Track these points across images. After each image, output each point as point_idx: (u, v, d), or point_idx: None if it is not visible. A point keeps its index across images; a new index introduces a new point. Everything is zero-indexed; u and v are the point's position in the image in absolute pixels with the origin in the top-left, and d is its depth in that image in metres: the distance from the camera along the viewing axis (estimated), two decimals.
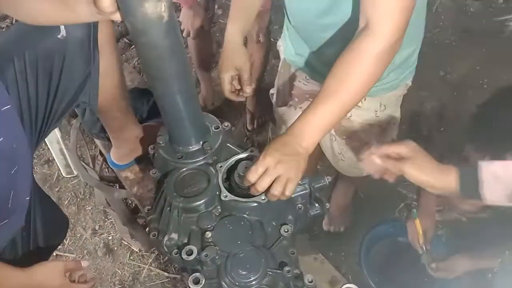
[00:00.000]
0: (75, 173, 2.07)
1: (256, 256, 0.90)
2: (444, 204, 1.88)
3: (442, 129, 2.28)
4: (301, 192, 1.03)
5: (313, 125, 0.93)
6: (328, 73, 0.95)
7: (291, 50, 1.32)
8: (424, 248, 1.64)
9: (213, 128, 1.08)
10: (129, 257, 1.96)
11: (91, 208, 2.13)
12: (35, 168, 2.30)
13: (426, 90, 2.42)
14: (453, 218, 1.92)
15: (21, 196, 0.99)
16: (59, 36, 0.98)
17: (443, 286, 1.66)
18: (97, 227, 2.07)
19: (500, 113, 1.24)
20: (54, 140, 2.05)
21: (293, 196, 1.03)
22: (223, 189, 0.97)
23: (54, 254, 1.98)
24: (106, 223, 2.08)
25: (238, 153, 1.05)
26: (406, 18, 0.89)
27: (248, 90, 1.19)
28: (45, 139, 2.06)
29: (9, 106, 0.89)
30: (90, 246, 2.01)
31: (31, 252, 1.16)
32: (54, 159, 2.17)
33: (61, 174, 2.21)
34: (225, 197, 0.96)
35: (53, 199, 2.15)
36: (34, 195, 1.11)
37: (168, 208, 1.00)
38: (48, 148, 2.08)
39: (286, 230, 0.95)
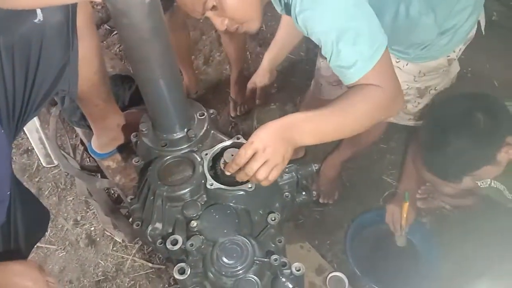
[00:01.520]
0: (55, 162, 2.01)
1: (243, 245, 0.88)
2: (428, 192, 1.90)
3: (422, 124, 2.28)
4: (288, 180, 1.02)
5: (315, 126, 0.92)
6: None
7: None
8: (403, 231, 1.68)
9: (198, 115, 1.06)
10: (112, 248, 1.92)
11: (73, 199, 2.08)
12: (14, 158, 2.23)
13: None
14: (436, 206, 1.94)
15: (1, 191, 0.95)
16: (35, 21, 0.93)
17: (427, 273, 1.68)
18: (79, 218, 2.02)
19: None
20: (33, 129, 1.98)
21: (280, 184, 1.01)
22: (208, 177, 0.95)
23: (35, 246, 1.93)
24: (88, 214, 2.03)
25: (223, 141, 1.02)
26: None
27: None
28: (24, 128, 2.00)
29: None
30: (72, 237, 1.97)
31: (12, 247, 1.12)
32: (33, 149, 2.11)
33: (41, 164, 2.15)
34: (211, 185, 0.94)
35: (33, 189, 2.10)
36: (13, 189, 1.06)
37: (152, 197, 0.97)
38: (27, 138, 2.02)
39: (273, 219, 0.94)
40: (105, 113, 1.25)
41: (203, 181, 0.96)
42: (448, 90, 1.55)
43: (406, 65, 1.33)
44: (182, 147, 1.01)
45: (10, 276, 0.94)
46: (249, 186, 0.92)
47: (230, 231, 0.90)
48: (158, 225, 0.97)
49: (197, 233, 0.91)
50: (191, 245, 0.88)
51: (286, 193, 1.02)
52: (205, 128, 1.03)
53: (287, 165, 1.00)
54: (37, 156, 2.14)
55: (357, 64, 0.89)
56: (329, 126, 0.93)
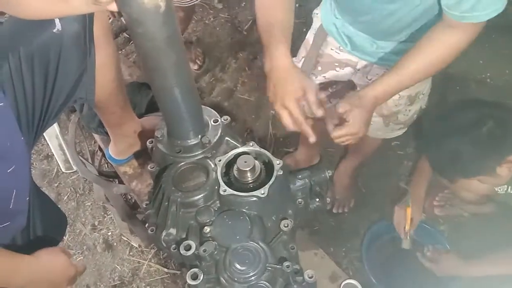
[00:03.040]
0: (74, 168, 2.06)
1: (255, 251, 0.88)
2: (445, 200, 1.87)
3: (431, 119, 2.25)
4: (301, 187, 1.02)
5: (395, 91, 1.12)
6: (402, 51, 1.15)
7: (332, 21, 1.33)
8: (408, 235, 1.67)
9: (212, 122, 1.07)
10: (129, 252, 1.95)
11: (91, 204, 2.11)
12: (34, 163, 2.29)
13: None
14: (454, 214, 1.91)
15: (21, 197, 0.98)
16: (54, 31, 0.96)
17: (445, 283, 1.65)
18: (96, 223, 2.06)
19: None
20: (53, 135, 2.03)
21: (293, 190, 1.01)
22: (222, 183, 0.96)
23: None
24: (105, 219, 2.07)
25: (237, 147, 1.03)
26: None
27: (320, 112, 1.09)
28: (44, 134, 2.05)
29: (1, 104, 0.87)
30: (89, 242, 2.00)
31: (31, 251, 1.15)
32: (53, 155, 2.16)
33: (60, 169, 2.20)
34: (224, 191, 0.94)
35: (52, 195, 2.15)
36: (32, 194, 1.09)
37: (166, 203, 0.98)
38: (47, 144, 2.07)
39: (286, 225, 0.94)
40: (122, 120, 1.28)
41: (216, 187, 0.97)
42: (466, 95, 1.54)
43: None
44: (196, 153, 1.02)
45: (42, 265, 0.98)
46: (262, 192, 0.93)
47: (243, 237, 0.91)
48: (172, 231, 0.98)
49: (210, 239, 0.91)
50: (204, 250, 0.88)
51: (299, 200, 1.02)
52: (219, 135, 1.04)
53: (301, 171, 1.01)
54: (57, 162, 2.19)
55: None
56: (403, 85, 1.12)
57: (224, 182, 0.96)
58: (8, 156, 0.92)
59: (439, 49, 1.07)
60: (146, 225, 1.04)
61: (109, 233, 2.02)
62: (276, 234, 0.94)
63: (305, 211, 1.04)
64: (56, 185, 2.20)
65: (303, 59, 1.47)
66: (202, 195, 0.96)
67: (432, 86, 2.36)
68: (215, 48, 2.63)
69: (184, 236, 0.97)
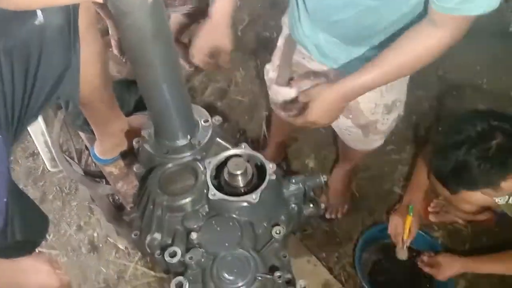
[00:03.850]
0: (60, 167, 2.00)
1: (245, 259, 0.83)
2: (441, 206, 1.84)
3: (440, 129, 2.24)
4: (295, 192, 0.97)
5: (368, 86, 1.09)
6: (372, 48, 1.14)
7: (299, 29, 1.28)
8: (405, 245, 1.63)
9: (202, 122, 1.02)
10: (115, 254, 1.88)
11: (77, 204, 2.05)
12: (19, 161, 2.21)
13: (423, 89, 2.37)
14: (449, 221, 1.87)
15: None
16: (35, 23, 0.90)
17: None
18: (82, 223, 1.99)
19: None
20: (38, 132, 1.96)
21: (286, 195, 0.97)
22: (211, 186, 0.91)
23: (36, 250, 1.91)
24: (91, 219, 2.00)
25: (228, 149, 0.98)
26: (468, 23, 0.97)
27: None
28: (30, 131, 1.98)
29: None
30: (74, 243, 1.94)
31: (10, 251, 1.09)
32: (39, 152, 2.09)
33: (46, 167, 2.13)
34: (213, 195, 0.89)
35: (37, 193, 2.08)
36: (11, 195, 1.03)
37: (152, 206, 0.93)
38: (33, 141, 2.00)
39: (277, 232, 0.89)
40: (108, 118, 1.22)
41: (205, 191, 0.92)
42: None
43: None
44: (185, 154, 0.97)
45: (20, 272, 0.92)
46: (254, 197, 0.88)
47: (232, 245, 0.86)
48: (157, 236, 0.93)
49: (197, 246, 0.86)
50: (190, 258, 0.83)
51: (293, 205, 0.97)
52: (209, 136, 0.99)
53: (296, 176, 0.96)
54: (43, 159, 2.12)
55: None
56: (378, 81, 1.07)
57: (214, 186, 0.91)
58: None
59: (417, 48, 1.01)
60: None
61: (95, 234, 1.96)
62: (267, 241, 0.89)
63: (299, 217, 1.00)
64: (41, 183, 2.13)
65: (278, 67, 1.43)
66: (189, 198, 0.91)
67: (428, 91, 2.34)
68: None
69: (169, 242, 0.92)
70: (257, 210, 0.90)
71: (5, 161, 0.94)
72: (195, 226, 0.89)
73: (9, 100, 0.92)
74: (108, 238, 1.92)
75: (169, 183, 0.94)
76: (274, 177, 0.91)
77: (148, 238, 0.93)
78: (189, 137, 0.98)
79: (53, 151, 1.94)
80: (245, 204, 0.88)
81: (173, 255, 0.86)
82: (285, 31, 1.39)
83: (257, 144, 2.22)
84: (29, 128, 1.95)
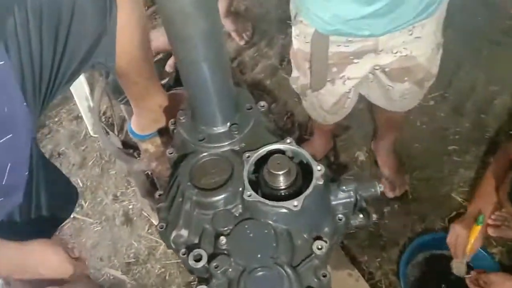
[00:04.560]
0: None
1: (278, 276, 0.71)
2: (502, 220, 1.63)
3: None
4: (344, 200, 0.83)
5: None
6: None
7: (325, 17, 1.21)
8: (465, 260, 1.48)
9: (245, 108, 0.89)
10: (147, 230, 1.85)
11: (115, 173, 2.02)
12: (63, 123, 2.21)
13: (497, 84, 2.11)
14: (510, 237, 1.67)
15: (18, 171, 0.85)
16: None
17: None
18: (118, 194, 1.97)
19: None
20: (82, 96, 1.94)
21: (333, 203, 0.83)
22: (247, 185, 0.78)
23: (72, 216, 1.90)
24: (128, 191, 1.97)
25: (271, 143, 0.85)
26: None
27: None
28: (74, 95, 1.95)
29: (2, 62, 0.73)
30: (109, 212, 1.92)
31: (33, 226, 1.04)
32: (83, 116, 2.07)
33: (89, 132, 2.11)
34: (249, 196, 0.77)
35: (77, 158, 2.08)
36: (37, 167, 0.97)
37: (180, 199, 0.83)
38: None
39: (319, 247, 0.76)
40: (146, 92, 1.12)
41: (240, 189, 0.80)
42: None
43: (422, 28, 1.23)
44: (222, 144, 0.85)
45: (31, 255, 0.87)
46: (295, 204, 0.75)
47: (265, 256, 0.74)
48: (184, 232, 0.83)
49: (225, 252, 0.75)
50: (216, 266, 0.73)
51: (340, 216, 0.84)
52: (251, 124, 0.86)
53: (346, 181, 0.82)
54: (86, 124, 2.10)
55: None
56: None
57: (251, 185, 0.79)
58: (4, 123, 0.78)
59: None
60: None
61: (130, 206, 1.93)
62: (306, 256, 0.77)
63: (344, 229, 0.86)
64: (82, 148, 2.12)
65: (309, 71, 1.35)
66: (222, 196, 0.79)
67: (504, 87, 2.07)
68: (263, 20, 2.43)
69: (196, 241, 0.82)
70: (297, 219, 0.77)
71: (29, 133, 0.86)
72: (225, 229, 0.78)
73: (37, 67, 0.84)
74: (143, 212, 1.88)
75: (201, 175, 0.83)
76: (321, 182, 0.78)
77: (174, 233, 0.83)
78: (228, 124, 0.86)
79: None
80: (284, 210, 0.76)
81: (198, 259, 0.75)
82: (304, 29, 1.29)
83: (304, 130, 2.08)
84: (73, 92, 1.92)
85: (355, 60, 1.30)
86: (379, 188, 0.84)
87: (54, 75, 0.88)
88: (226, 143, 0.85)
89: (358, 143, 2.01)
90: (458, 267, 1.52)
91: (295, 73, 1.45)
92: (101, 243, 1.83)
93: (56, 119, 2.21)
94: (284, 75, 2.22)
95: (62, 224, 1.79)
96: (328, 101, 1.45)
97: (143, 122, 1.21)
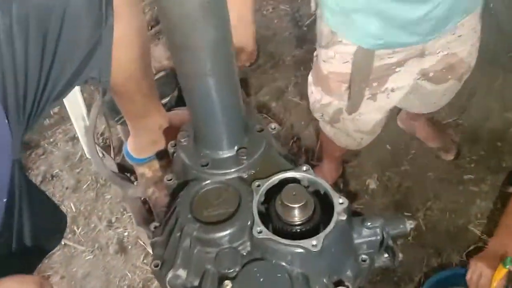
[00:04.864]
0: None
1: None
2: None
3: None
4: (369, 238, 0.72)
5: None
6: None
7: (372, 29, 1.17)
8: None
9: (255, 130, 0.79)
10: (143, 260, 1.72)
11: (110, 197, 1.91)
12: (58, 144, 2.11)
13: None
14: None
15: None
16: None
17: None
18: (113, 219, 1.85)
19: None
20: (79, 116, 1.84)
21: (356, 242, 0.72)
22: (257, 219, 0.68)
23: (63, 242, 1.78)
24: (124, 217, 1.86)
25: (286, 169, 0.74)
26: None
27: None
28: (70, 114, 1.86)
29: None
30: (102, 240, 1.80)
31: (14, 259, 0.92)
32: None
33: (85, 154, 2.01)
34: (259, 232, 0.66)
35: (71, 181, 1.97)
36: (20, 193, 0.86)
37: (179, 234, 0.72)
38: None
39: None
40: (144, 111, 1.03)
41: (249, 223, 0.69)
42: None
43: (463, 26, 1.24)
44: (228, 170, 0.75)
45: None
46: (314, 243, 0.64)
47: None
48: (182, 273, 0.72)
49: None
50: None
51: (363, 256, 0.72)
52: (262, 149, 0.76)
53: (371, 216, 0.71)
54: (82, 145, 2.00)
55: None
56: None
57: (260, 218, 0.68)
58: None
59: None
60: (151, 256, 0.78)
61: (125, 233, 1.81)
62: None
63: (369, 271, 0.74)
64: (77, 171, 2.02)
65: (347, 93, 1.30)
66: (227, 231, 0.68)
67: None
68: (269, 42, 2.36)
69: (196, 284, 0.70)
70: (316, 261, 0.66)
71: (8, 156, 0.76)
72: (231, 270, 0.66)
73: (21, 77, 0.74)
74: (139, 240, 1.76)
75: (203, 207, 0.72)
76: (344, 217, 0.67)
77: (170, 274, 0.72)
78: (236, 148, 0.75)
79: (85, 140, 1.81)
80: (301, 250, 0.64)
81: None
82: (343, 50, 1.23)
83: (311, 155, 1.98)
84: (69, 111, 1.83)
85: (397, 69, 1.26)
86: (409, 225, 0.73)
87: (42, 89, 0.78)
88: (233, 169, 0.74)
89: (368, 170, 1.91)
90: None
91: (325, 99, 1.36)
92: (92, 273, 1.70)
93: (51, 140, 2.11)
94: (290, 98, 2.14)
95: (48, 255, 1.67)
96: (369, 121, 1.38)
97: (140, 144, 1.11)
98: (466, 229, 1.75)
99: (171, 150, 0.85)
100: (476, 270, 1.38)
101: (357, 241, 0.71)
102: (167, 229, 0.76)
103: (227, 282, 0.64)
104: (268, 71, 2.24)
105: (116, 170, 1.38)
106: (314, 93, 1.40)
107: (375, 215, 0.72)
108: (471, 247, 1.71)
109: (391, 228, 0.72)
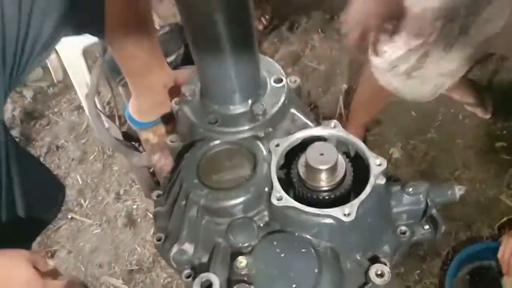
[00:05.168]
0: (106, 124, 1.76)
1: None
2: None
3: None
4: (410, 207, 0.60)
5: None
6: None
7: None
8: None
9: (272, 82, 0.67)
10: (153, 233, 1.63)
11: (118, 169, 1.82)
12: (63, 114, 2.02)
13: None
14: None
15: None
16: None
17: None
18: (121, 192, 1.77)
19: None
20: (82, 82, 1.73)
21: (394, 211, 0.60)
22: (276, 184, 0.57)
23: (69, 216, 1.71)
24: (132, 189, 1.77)
25: (308, 127, 0.63)
26: None
27: None
28: (73, 82, 1.76)
29: None
30: (110, 213, 1.72)
31: (5, 231, 0.83)
32: None
33: (91, 124, 1.91)
34: (279, 199, 0.55)
35: (77, 152, 1.88)
36: (7, 158, 0.77)
37: (184, 202, 0.61)
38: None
39: (379, 273, 0.54)
40: (146, 68, 0.91)
41: (266, 189, 0.58)
42: None
43: None
44: (241, 128, 0.63)
45: None
46: (346, 212, 0.53)
47: (302, 287, 0.51)
48: (188, 247, 0.61)
49: (245, 279, 0.53)
50: None
51: (402, 228, 0.61)
52: (281, 103, 0.64)
53: (414, 184, 0.60)
54: (87, 115, 1.90)
55: None
56: None
57: (281, 184, 0.57)
58: None
59: None
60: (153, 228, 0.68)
61: (134, 206, 1.72)
62: (359, 286, 0.54)
63: (408, 246, 0.63)
64: (83, 141, 1.93)
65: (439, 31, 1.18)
66: (241, 199, 0.57)
67: None
68: (283, 2, 2.20)
69: (204, 260, 0.60)
70: (348, 233, 0.55)
71: None
72: (246, 245, 0.56)
73: None
74: (148, 213, 1.68)
75: (213, 171, 0.61)
76: (382, 181, 0.55)
77: (175, 248, 0.62)
78: (250, 102, 0.64)
79: (98, 105, 1.71)
80: (330, 221, 0.53)
81: (207, 285, 0.54)
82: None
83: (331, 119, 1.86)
84: (72, 78, 1.72)
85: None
86: (458, 191, 0.61)
87: (22, 40, 0.67)
88: (247, 127, 0.63)
89: (391, 139, 1.78)
90: (508, 285, 1.29)
91: (407, 47, 1.24)
92: (100, 247, 1.63)
93: (56, 109, 2.02)
94: (307, 62, 2.01)
95: (52, 229, 1.61)
96: (456, 58, 1.25)
97: (143, 105, 1.00)
98: (498, 200, 1.62)
99: (175, 108, 0.74)
100: (508, 246, 1.27)
101: (396, 210, 0.60)
102: (170, 197, 0.66)
103: (241, 258, 0.54)
104: (283, 34, 2.10)
105: (120, 137, 1.27)
106: (390, 47, 1.26)
107: (419, 182, 0.60)
108: (504, 220, 1.58)
109: (437, 195, 0.60)
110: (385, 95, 1.43)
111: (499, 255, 1.29)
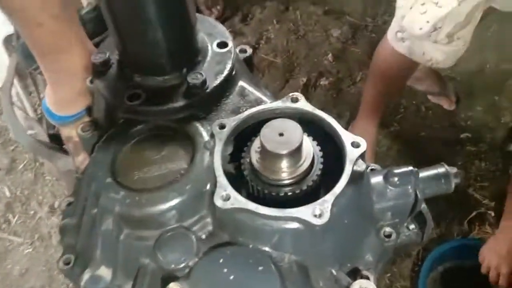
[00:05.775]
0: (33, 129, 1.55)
1: None
2: None
3: None
4: (396, 201, 0.46)
5: None
6: None
7: None
8: None
9: (214, 46, 0.51)
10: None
11: (52, 178, 1.61)
12: None
13: (510, 62, 1.84)
14: None
15: None
16: None
17: None
18: (56, 204, 1.57)
19: None
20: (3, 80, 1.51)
21: (377, 208, 0.46)
22: (222, 179, 0.41)
23: None
24: None
25: (263, 102, 0.48)
26: None
27: None
28: None
29: None
30: (44, 229, 1.52)
31: None
32: None
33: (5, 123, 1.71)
34: (226, 199, 0.40)
35: (5, 161, 1.66)
36: None
37: (94, 210, 0.44)
38: None
39: None
40: (60, 43, 0.72)
41: (208, 187, 0.42)
42: None
43: None
44: (174, 106, 0.48)
45: None
46: (317, 212, 0.38)
47: None
48: (104, 272, 0.45)
49: None
50: None
51: (387, 229, 0.47)
52: (226, 73, 0.49)
53: (400, 169, 0.46)
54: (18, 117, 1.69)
55: None
56: None
57: (229, 179, 0.41)
58: None
59: None
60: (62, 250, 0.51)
61: None
62: None
63: (392, 251, 0.50)
64: (11, 148, 1.71)
65: None
66: (173, 202, 0.42)
67: None
68: None
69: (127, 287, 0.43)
70: (320, 241, 0.40)
71: None
72: (181, 266, 0.40)
73: None
74: None
75: (134, 166, 0.45)
76: (362, 167, 0.41)
77: (87, 275, 0.45)
78: (184, 71, 0.48)
79: (26, 105, 1.50)
80: (295, 226, 0.38)
81: None
82: None
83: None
84: None
85: None
86: (455, 179, 0.48)
87: None
88: (181, 103, 0.47)
89: None
90: None
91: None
92: (32, 269, 1.43)
93: None
94: (263, 55, 1.89)
95: None
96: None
97: (61, 94, 0.80)
98: (466, 194, 1.57)
99: (89, 86, 0.58)
100: (492, 267, 1.21)
101: (378, 206, 0.46)
102: (79, 205, 0.48)
103: (173, 285, 0.38)
104: (235, 26, 1.97)
105: (45, 138, 1.08)
106: (424, 25, 1.14)
107: (404, 168, 0.47)
108: (473, 214, 1.53)
109: (429, 185, 0.47)
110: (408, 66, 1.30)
111: (482, 270, 1.24)
